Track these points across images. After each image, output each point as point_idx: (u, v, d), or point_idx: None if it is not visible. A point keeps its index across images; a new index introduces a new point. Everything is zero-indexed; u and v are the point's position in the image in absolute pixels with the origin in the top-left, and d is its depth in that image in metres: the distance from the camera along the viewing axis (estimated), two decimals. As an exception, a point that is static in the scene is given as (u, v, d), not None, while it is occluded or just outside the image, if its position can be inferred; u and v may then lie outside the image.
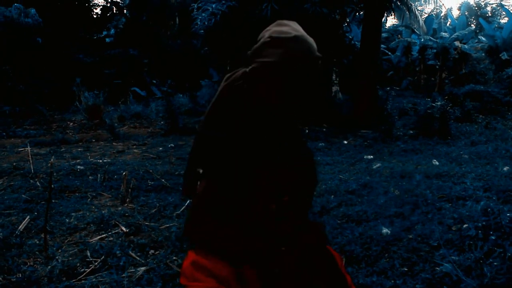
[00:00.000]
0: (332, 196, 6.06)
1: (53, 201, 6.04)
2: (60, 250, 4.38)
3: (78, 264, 4.05)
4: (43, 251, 4.28)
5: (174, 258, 4.22)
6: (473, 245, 3.78)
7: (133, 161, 9.27)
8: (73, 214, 5.52)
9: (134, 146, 11.50)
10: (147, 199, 6.21)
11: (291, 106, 1.57)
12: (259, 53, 1.53)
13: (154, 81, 22.46)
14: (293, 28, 1.55)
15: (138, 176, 7.56)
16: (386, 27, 28.80)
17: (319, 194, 6.17)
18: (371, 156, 9.43)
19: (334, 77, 16.11)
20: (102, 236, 4.78)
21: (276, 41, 1.50)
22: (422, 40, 22.96)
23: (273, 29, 1.55)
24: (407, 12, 17.78)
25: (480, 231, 3.99)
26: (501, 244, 3.52)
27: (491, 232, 3.74)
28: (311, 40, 1.56)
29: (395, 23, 28.29)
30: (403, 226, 4.84)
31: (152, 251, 4.41)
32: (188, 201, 5.94)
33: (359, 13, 17.16)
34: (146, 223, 5.16)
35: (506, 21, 24.06)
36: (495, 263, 3.33)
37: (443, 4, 29.12)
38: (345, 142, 11.47)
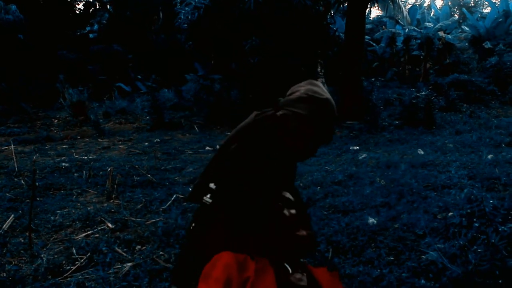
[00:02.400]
0: (319, 187, 6.07)
1: (37, 199, 5.99)
2: (45, 248, 4.34)
3: (63, 262, 4.01)
4: (28, 250, 4.24)
5: (161, 253, 4.21)
6: (457, 232, 3.82)
7: (119, 157, 9.22)
8: (58, 211, 5.47)
9: (120, 142, 11.43)
10: (133, 195, 6.17)
11: (310, 153, 1.93)
12: (292, 104, 1.84)
13: (139, 76, 22.32)
14: (323, 90, 1.89)
15: (123, 172, 7.52)
16: (371, 19, 28.91)
17: (306, 185, 6.19)
18: (357, 147, 9.47)
19: (319, 69, 16.12)
20: (88, 233, 4.75)
21: (311, 99, 1.82)
22: (406, 30, 23.04)
23: (308, 87, 1.86)
24: (391, 3, 17.82)
25: (464, 219, 4.02)
26: (485, 231, 3.55)
27: (475, 220, 3.77)
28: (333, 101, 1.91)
29: (379, 14, 28.40)
30: (389, 216, 4.86)
31: (138, 246, 4.39)
32: (174, 196, 5.93)
33: (343, 5, 17.18)
34: (132, 218, 5.13)
35: (489, 11, 24.25)
36: (479, 250, 3.36)
37: (426, -5, 29.28)
38: (331, 133, 11.50)
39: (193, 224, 1.90)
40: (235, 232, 1.82)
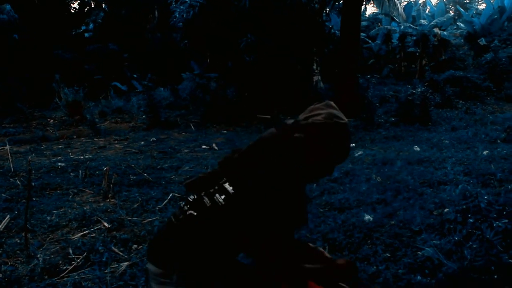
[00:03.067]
0: (315, 185, 6.08)
1: (33, 199, 5.98)
2: (41, 249, 4.33)
3: (60, 262, 4.01)
4: (24, 250, 4.23)
5: (157, 252, 4.21)
6: (453, 228, 3.83)
7: (115, 156, 9.20)
8: (54, 211, 5.47)
9: (116, 141, 11.41)
10: (129, 194, 6.17)
11: (329, 173, 2.00)
12: (317, 128, 1.87)
13: (135, 75, 22.26)
14: (341, 113, 1.95)
15: (120, 171, 7.51)
16: (366, 16, 28.91)
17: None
18: (353, 144, 9.48)
19: (315, 67, 16.12)
20: (84, 232, 4.74)
21: (334, 125, 1.88)
22: (402, 27, 23.07)
23: (329, 111, 1.91)
24: (386, 0, 17.82)
25: (459, 215, 4.03)
26: (479, 226, 3.56)
27: (470, 216, 3.78)
28: None
29: (375, 11, 28.41)
30: (385, 213, 4.87)
31: (135, 246, 4.39)
32: (170, 195, 5.93)
33: (338, 2, 17.18)
34: (129, 218, 5.13)
35: (484, 7, 24.28)
36: (474, 246, 3.37)
37: (421, -9, 29.31)
38: (327, 131, 11.50)
39: (193, 212, 1.88)
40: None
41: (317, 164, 1.91)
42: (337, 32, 16.86)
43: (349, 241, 4.20)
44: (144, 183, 6.83)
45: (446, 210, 4.70)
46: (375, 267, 3.66)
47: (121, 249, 4.29)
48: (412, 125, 11.54)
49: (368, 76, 14.71)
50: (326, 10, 18.05)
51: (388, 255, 3.93)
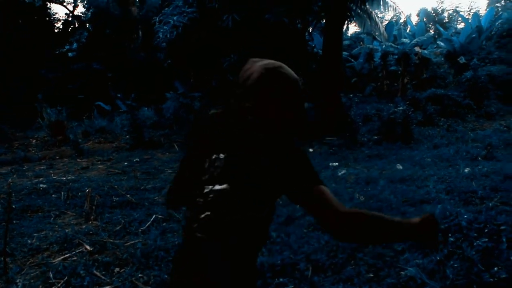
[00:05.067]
0: (298, 205, 6.07)
1: (14, 221, 5.90)
2: (21, 273, 4.26)
3: (40, 287, 3.95)
4: (3, 275, 4.16)
5: (140, 275, 4.17)
6: (434, 248, 3.85)
7: (98, 177, 9.13)
8: (35, 234, 5.39)
9: (99, 162, 11.33)
10: (112, 216, 6.12)
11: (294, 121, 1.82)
12: (255, 86, 1.76)
13: (119, 95, 22.17)
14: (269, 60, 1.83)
15: (103, 192, 7.45)
16: (349, 35, 29.20)
17: (285, 203, 6.18)
18: (337, 163, 9.52)
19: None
20: (66, 256, 4.68)
21: (269, 72, 1.76)
22: (384, 46, 23.31)
23: (259, 64, 1.79)
24: (368, 20, 18.07)
25: (440, 234, 4.06)
26: (460, 245, 3.59)
27: (450, 235, 3.81)
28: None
29: (357, 30, 28.74)
30: (368, 232, 4.87)
31: (117, 269, 4.34)
32: (153, 216, 5.89)
33: (320, 22, 17.37)
34: (111, 240, 5.08)
35: (463, 26, 24.70)
36: (455, 265, 3.39)
37: (402, 11, 29.72)
38: (311, 150, 11.54)
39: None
40: None
41: (278, 118, 1.75)
42: (319, 51, 17.02)
43: (333, 262, 4.20)
44: (127, 204, 6.77)
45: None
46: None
47: (103, 272, 4.24)
48: (395, 143, 11.63)
49: (351, 95, 14.84)
50: (309, 30, 18.23)
51: (372, 275, 3.94)
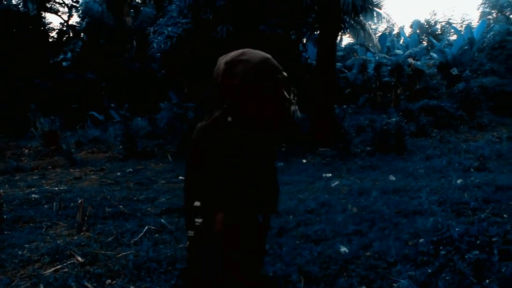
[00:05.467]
0: (291, 216, 6.09)
1: (5, 232, 5.87)
2: (11, 285, 4.23)
3: (30, 299, 3.92)
4: (-6, 287, 4.14)
5: (132, 287, 4.15)
6: (426, 260, 3.86)
7: (91, 187, 9.10)
8: (26, 245, 5.35)
9: (92, 172, 11.29)
10: (104, 227, 6.09)
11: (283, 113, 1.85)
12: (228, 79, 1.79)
13: (113, 105, 22.14)
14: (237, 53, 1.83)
15: (95, 203, 7.42)
16: (342, 46, 29.38)
17: (278, 215, 6.19)
18: (330, 174, 9.54)
19: (292, 97, 16.25)
20: (57, 267, 4.66)
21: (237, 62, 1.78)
22: (377, 57, 23.47)
23: (224, 61, 1.82)
24: (361, 31, 18.17)
25: (431, 246, 4.08)
26: (452, 258, 3.60)
27: (442, 247, 3.82)
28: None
29: (351, 41, 28.92)
30: (361, 244, 4.89)
31: (109, 280, 4.32)
32: (146, 227, 5.87)
33: (314, 33, 17.46)
34: (103, 251, 5.05)
35: (455, 38, 24.92)
36: (447, 277, 3.40)
37: (395, 23, 29.99)
38: (304, 161, 11.56)
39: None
40: None
41: (262, 109, 1.76)
42: (313, 62, 17.10)
43: (325, 274, 4.20)
44: (119, 215, 6.75)
45: (421, 240, 4.74)
46: (350, 300, 3.67)
47: (94, 284, 4.22)
48: (388, 154, 11.66)
49: (345, 106, 14.89)
50: (303, 41, 18.32)
51: (364, 287, 3.93)
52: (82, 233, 5.83)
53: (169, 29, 14.01)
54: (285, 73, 1.86)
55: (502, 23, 25.18)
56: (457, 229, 4.03)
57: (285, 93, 1.85)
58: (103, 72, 24.69)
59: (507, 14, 25.71)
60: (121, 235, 5.68)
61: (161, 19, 15.50)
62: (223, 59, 1.81)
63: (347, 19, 15.91)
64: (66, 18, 29.82)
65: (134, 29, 26.05)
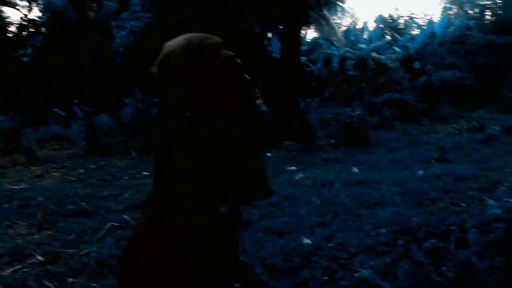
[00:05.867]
0: (255, 209, 6.11)
1: (-38, 233, 5.71)
2: (-33, 287, 4.13)
3: (-12, 300, 3.83)
4: (-51, 289, 4.02)
5: (94, 284, 4.09)
6: (386, 250, 3.94)
7: (52, 185, 8.92)
8: (-16, 246, 5.22)
9: (54, 170, 11.07)
10: (66, 225, 5.98)
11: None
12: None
13: (76, 101, 21.77)
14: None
15: (57, 201, 7.27)
16: (307, 40, 29.51)
17: (242, 208, 6.19)
18: (294, 167, 9.60)
19: (257, 91, 16.31)
20: (16, 267, 4.55)
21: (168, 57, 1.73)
22: (342, 51, 23.72)
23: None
24: (326, 26, 18.29)
25: (391, 236, 4.16)
26: (409, 248, 3.68)
27: (400, 237, 3.90)
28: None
29: (316, 35, 29.07)
30: (323, 235, 4.94)
31: (70, 279, 4.25)
32: (109, 224, 5.79)
33: (279, 27, 17.50)
34: (64, 250, 4.96)
35: (418, 32, 25.38)
36: (405, 266, 3.47)
37: (359, 18, 30.33)
38: (269, 154, 11.59)
39: None
40: None
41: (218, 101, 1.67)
42: (278, 56, 17.14)
43: (288, 266, 4.23)
44: (82, 212, 6.63)
45: (382, 230, 4.82)
46: (313, 291, 3.71)
47: (55, 283, 4.14)
48: (352, 147, 11.81)
49: (309, 100, 15.00)
50: (268, 35, 18.35)
51: (326, 278, 3.98)
52: (43, 232, 5.71)
53: (132, 23, 13.86)
54: (230, 52, 1.78)
55: (462, 18, 25.74)
56: (415, 219, 4.12)
57: (244, 73, 1.77)
58: (66, 67, 24.19)
59: (466, 10, 26.28)
60: (83, 233, 5.59)
61: (124, 14, 15.31)
62: (164, 51, 1.73)
63: (312, 13, 15.99)
64: (26, 13, 29.07)
65: (97, 24, 25.58)
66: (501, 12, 23.45)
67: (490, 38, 21.42)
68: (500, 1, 23.56)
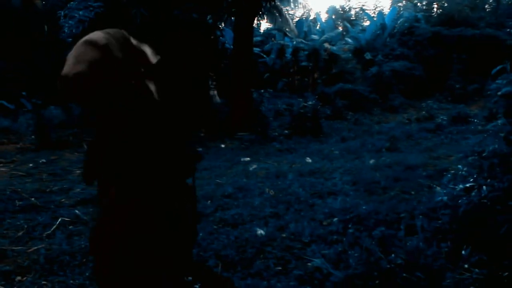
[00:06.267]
0: (209, 201, 6.10)
1: None
2: None
3: None
4: None
5: (43, 282, 3.99)
6: (337, 239, 4.01)
7: (-1, 180, 8.63)
8: None
9: (1, 164, 10.69)
10: (14, 221, 5.79)
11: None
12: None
13: (24, 93, 21.06)
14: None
15: (4, 197, 7.03)
16: (261, 31, 29.55)
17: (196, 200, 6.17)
18: (248, 158, 9.63)
19: (210, 82, 16.22)
20: (-40, 267, 4.39)
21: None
22: (295, 42, 23.87)
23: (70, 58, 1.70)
24: (278, 16, 18.37)
25: (341, 225, 4.23)
26: (359, 236, 3.76)
27: (350, 226, 3.98)
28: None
29: (269, 26, 29.13)
30: (277, 226, 4.99)
31: (18, 277, 4.13)
32: (59, 220, 5.66)
33: (231, 17, 17.45)
34: (12, 247, 4.81)
35: (368, 24, 25.83)
36: (355, 254, 3.55)
37: (311, 8, 30.62)
38: (223, 146, 11.58)
39: None
40: None
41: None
42: (231, 47, 17.09)
43: (242, 257, 4.25)
44: (31, 208, 6.44)
45: (334, 220, 4.91)
46: (266, 281, 3.74)
47: (3, 282, 4.02)
48: (305, 137, 11.94)
49: (263, 90, 15.05)
50: (219, 26, 18.24)
51: (280, 268, 4.02)
52: (-11, 229, 5.52)
53: (81, 13, 13.48)
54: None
55: (410, 10, 26.36)
56: (364, 207, 4.21)
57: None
58: (13, 58, 23.35)
59: (415, 2, 26.95)
60: (33, 229, 5.43)
61: (72, 3, 14.86)
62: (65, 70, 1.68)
63: (264, 4, 16.00)
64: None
65: (44, 13, 24.78)
66: (447, 5, 24.13)
67: (437, 30, 22.01)
68: (447, -6, 24.30)
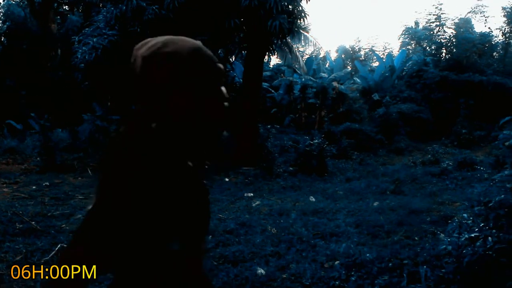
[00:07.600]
0: (210, 236, 6.05)
1: None
2: None
3: None
4: None
5: (38, 310, 3.94)
6: (338, 285, 3.95)
7: (1, 202, 8.59)
8: None
9: (4, 185, 10.69)
10: (13, 245, 5.74)
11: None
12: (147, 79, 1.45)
13: (32, 114, 21.22)
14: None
15: (5, 219, 7.00)
16: (270, 66, 29.87)
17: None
18: (252, 194, 9.58)
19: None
20: (-44, 290, 4.34)
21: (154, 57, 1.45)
22: (303, 79, 24.06)
23: (139, 53, 1.46)
24: (289, 53, 18.58)
25: (344, 271, 4.17)
26: (362, 284, 3.70)
27: (353, 273, 3.92)
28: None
29: (278, 62, 29.45)
30: (278, 266, 4.93)
31: (13, 304, 4.08)
32: (58, 246, 5.61)
33: (242, 52, 17.66)
34: (9, 272, 4.77)
35: (377, 65, 26.11)
36: (357, 302, 3.49)
37: (321, 47, 30.96)
38: (227, 179, 11.55)
39: None
40: None
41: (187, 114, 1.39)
42: (240, 81, 17.26)
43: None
44: (31, 232, 6.40)
45: (336, 263, 4.84)
46: (264, 323, 3.67)
47: (-3, 308, 3.97)
48: (310, 175, 11.89)
49: (269, 126, 15.08)
50: (230, 59, 18.45)
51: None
52: (-12, 252, 5.48)
53: (95, 40, 13.65)
54: (221, 65, 1.50)
55: (419, 53, 26.64)
56: (367, 254, 4.15)
57: (223, 90, 1.51)
58: (24, 79, 23.62)
59: (424, 45, 27.23)
60: (31, 254, 5.39)
61: (87, 29, 15.09)
62: (139, 50, 1.46)
63: (275, 41, 16.20)
64: (-16, 21, 28.34)
65: (59, 37, 25.16)
66: (455, 50, 24.37)
67: (445, 74, 22.18)
68: (455, 40, 24.51)
